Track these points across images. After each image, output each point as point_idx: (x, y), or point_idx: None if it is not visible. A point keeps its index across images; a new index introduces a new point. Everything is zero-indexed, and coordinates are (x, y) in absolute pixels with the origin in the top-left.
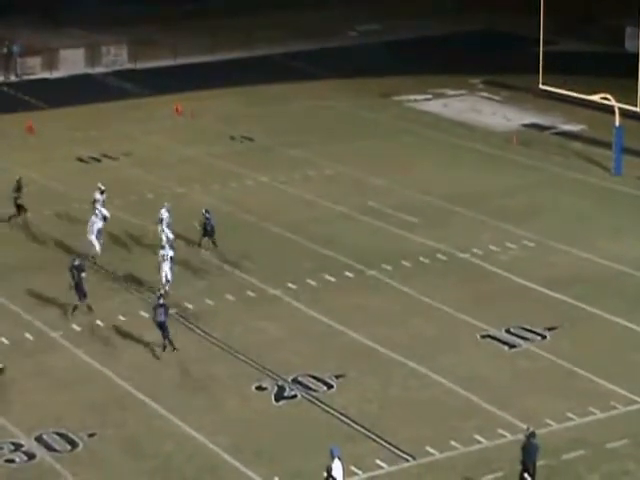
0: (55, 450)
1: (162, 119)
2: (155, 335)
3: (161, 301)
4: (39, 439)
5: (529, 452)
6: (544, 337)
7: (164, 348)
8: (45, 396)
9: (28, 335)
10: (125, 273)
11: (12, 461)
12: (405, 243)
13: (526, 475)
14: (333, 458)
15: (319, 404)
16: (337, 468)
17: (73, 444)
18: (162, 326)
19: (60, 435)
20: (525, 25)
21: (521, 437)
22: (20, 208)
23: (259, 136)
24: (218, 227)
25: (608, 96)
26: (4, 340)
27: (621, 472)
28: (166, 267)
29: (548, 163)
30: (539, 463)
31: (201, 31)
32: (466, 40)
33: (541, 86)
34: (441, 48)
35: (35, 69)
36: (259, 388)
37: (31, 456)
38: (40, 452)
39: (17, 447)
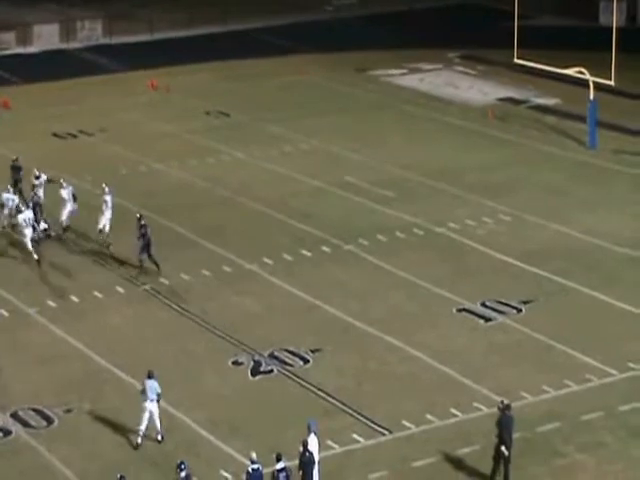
0: (31, 426)
1: (138, 94)
2: (132, 310)
3: (142, 222)
4: (15, 415)
5: (505, 425)
6: (519, 310)
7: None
8: (21, 372)
9: (3, 311)
10: (101, 249)
11: None
12: (382, 218)
13: (503, 448)
14: (310, 432)
15: (295, 379)
16: (313, 442)
17: (49, 420)
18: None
19: (36, 411)
20: None
21: (496, 411)
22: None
23: (235, 111)
24: (195, 203)
25: (583, 70)
26: None
27: (596, 444)
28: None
29: (524, 137)
30: (514, 436)
31: (177, 6)
32: (442, 14)
33: (516, 60)
34: (417, 22)
35: (9, 44)
36: (235, 363)
37: (7, 432)
38: (16, 428)
39: None
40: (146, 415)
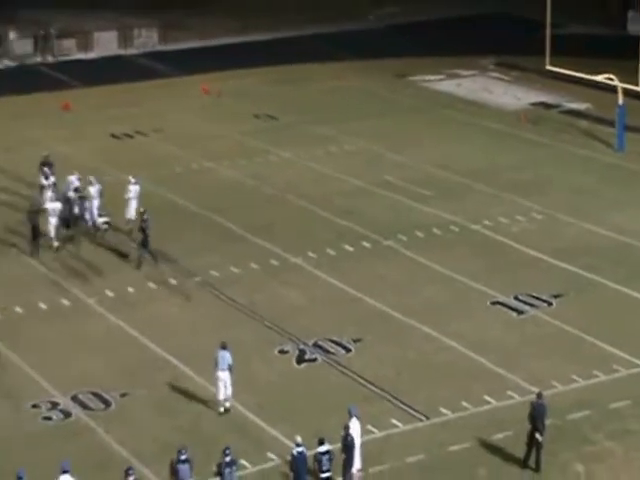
0: (90, 409)
1: (191, 98)
2: (184, 301)
3: (145, 216)
4: (75, 398)
5: (538, 412)
6: (550, 304)
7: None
8: (80, 358)
9: (65, 301)
10: (154, 243)
11: (49, 419)
12: (419, 215)
13: (537, 435)
14: (351, 417)
15: (338, 367)
16: (355, 426)
17: (107, 403)
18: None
19: (94, 395)
20: (534, 9)
21: (528, 398)
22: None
23: (282, 114)
24: (244, 201)
25: (612, 76)
26: (43, 305)
27: (624, 431)
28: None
29: (555, 140)
30: (546, 423)
31: (229, 14)
32: (478, 23)
33: (548, 67)
34: (454, 30)
35: (71, 50)
36: (282, 352)
37: (67, 414)
38: (75, 410)
39: (54, 406)
40: (221, 384)
